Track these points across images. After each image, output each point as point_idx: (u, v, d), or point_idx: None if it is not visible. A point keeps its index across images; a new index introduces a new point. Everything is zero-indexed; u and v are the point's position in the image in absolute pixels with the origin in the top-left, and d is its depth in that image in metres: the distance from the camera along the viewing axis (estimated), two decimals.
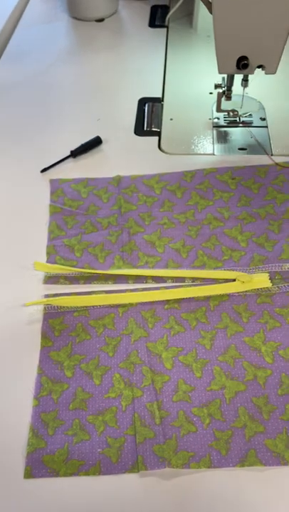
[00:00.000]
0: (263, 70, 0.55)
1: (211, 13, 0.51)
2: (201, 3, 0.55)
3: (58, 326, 0.47)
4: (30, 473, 0.39)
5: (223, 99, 0.63)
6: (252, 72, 0.56)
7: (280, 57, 0.53)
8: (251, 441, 0.39)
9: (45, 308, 0.48)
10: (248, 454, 0.39)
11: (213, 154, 0.63)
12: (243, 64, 0.54)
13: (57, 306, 0.48)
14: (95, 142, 0.64)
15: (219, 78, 0.62)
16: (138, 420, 0.41)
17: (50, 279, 0.51)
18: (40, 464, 0.39)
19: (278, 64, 0.54)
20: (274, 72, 0.55)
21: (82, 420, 0.41)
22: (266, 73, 0.55)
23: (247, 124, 0.66)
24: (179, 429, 0.40)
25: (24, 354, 0.46)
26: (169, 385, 0.43)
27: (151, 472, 0.38)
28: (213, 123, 0.67)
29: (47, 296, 0.49)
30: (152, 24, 0.87)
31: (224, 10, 0.49)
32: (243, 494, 0.37)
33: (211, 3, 0.51)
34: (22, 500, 0.38)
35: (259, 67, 0.55)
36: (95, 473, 0.39)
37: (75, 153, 0.63)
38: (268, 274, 0.49)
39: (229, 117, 0.66)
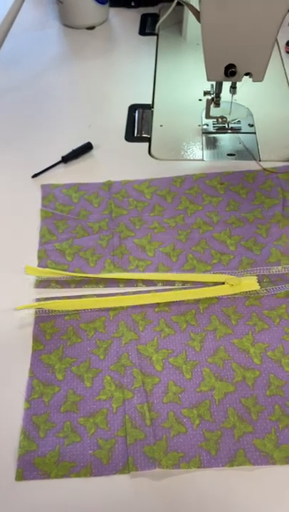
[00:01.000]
0: (250, 77, 0.56)
1: (199, 21, 0.52)
2: (190, 11, 0.56)
3: (49, 330, 0.48)
4: (21, 475, 0.39)
5: (212, 105, 0.64)
6: (240, 80, 0.57)
7: (267, 65, 0.55)
8: (240, 441, 0.40)
9: (36, 311, 0.49)
10: (237, 454, 0.39)
11: (203, 160, 0.64)
12: (230, 71, 0.55)
13: (48, 310, 0.49)
14: (86, 148, 0.65)
15: (208, 85, 0.63)
16: (129, 422, 0.41)
17: (42, 283, 0.51)
18: (31, 466, 0.39)
19: (265, 72, 0.55)
20: (261, 80, 0.56)
21: (73, 422, 0.42)
22: (254, 81, 0.56)
23: (235, 131, 0.67)
24: (169, 430, 0.41)
25: (16, 357, 0.46)
26: (160, 386, 0.43)
27: (141, 473, 0.39)
28: (202, 129, 0.68)
29: (38, 300, 0.50)
30: (142, 32, 0.88)
31: (212, 19, 0.50)
32: (232, 493, 0.38)
33: (199, 12, 0.52)
34: (14, 503, 0.38)
35: (247, 74, 0.56)
36: (86, 474, 0.39)
37: (66, 159, 0.64)
38: (256, 277, 0.50)
39: (218, 124, 0.67)
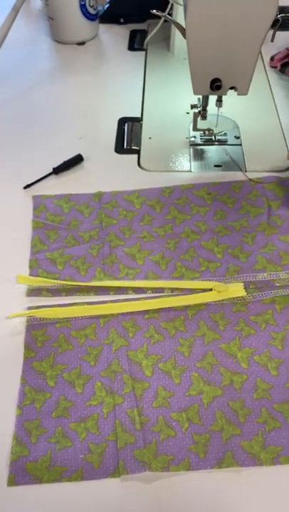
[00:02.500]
0: (235, 91, 0.58)
1: (185, 38, 0.54)
2: (176, 29, 0.59)
3: (41, 337, 0.48)
4: (13, 480, 0.39)
5: (199, 118, 0.66)
6: (225, 93, 0.58)
7: (251, 79, 0.56)
8: (228, 443, 0.41)
9: (28, 320, 0.49)
10: (225, 456, 0.40)
11: (190, 171, 0.65)
12: (216, 85, 0.56)
13: (39, 318, 0.49)
14: (77, 160, 0.66)
15: (195, 99, 0.65)
16: (119, 426, 0.42)
17: (33, 292, 0.52)
18: (23, 472, 0.40)
19: (249, 85, 0.57)
20: (246, 93, 0.58)
21: (64, 428, 0.42)
22: (238, 94, 0.58)
23: (222, 142, 0.69)
24: (158, 434, 0.42)
25: (7, 365, 0.47)
26: (149, 391, 0.44)
27: (132, 476, 0.39)
28: (189, 141, 0.70)
29: (30, 308, 0.50)
30: (131, 47, 0.91)
31: (197, 35, 0.52)
32: (221, 495, 0.39)
33: (184, 29, 0.54)
34: (6, 508, 0.38)
35: (232, 88, 0.58)
36: (77, 478, 0.40)
37: (58, 170, 0.65)
38: (242, 284, 0.51)
39: (205, 136, 0.69)
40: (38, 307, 0.50)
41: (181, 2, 0.63)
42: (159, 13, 0.62)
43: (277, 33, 0.59)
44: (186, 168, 0.66)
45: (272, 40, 0.59)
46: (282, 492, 0.39)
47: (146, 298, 0.51)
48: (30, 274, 0.53)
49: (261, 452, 0.40)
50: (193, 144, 0.69)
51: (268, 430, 0.42)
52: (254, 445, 0.41)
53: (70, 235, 0.57)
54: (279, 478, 0.39)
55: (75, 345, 0.48)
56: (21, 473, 0.40)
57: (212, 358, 0.46)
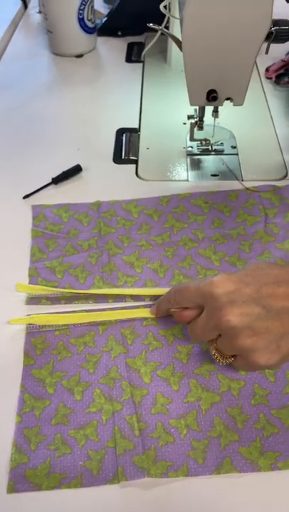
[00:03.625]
0: (231, 102, 0.59)
1: (181, 50, 0.56)
2: (173, 41, 0.60)
3: (40, 345, 0.49)
4: (13, 488, 0.40)
5: (195, 129, 0.67)
6: (221, 104, 0.59)
7: (246, 90, 0.58)
8: (226, 449, 0.41)
9: (27, 327, 0.50)
10: (223, 462, 0.41)
11: (188, 180, 0.66)
12: (212, 97, 0.58)
13: (39, 326, 0.50)
14: (76, 170, 0.67)
15: (192, 109, 0.66)
16: (118, 433, 0.42)
17: (33, 300, 0.52)
18: (22, 479, 0.40)
19: (245, 96, 0.58)
20: (241, 104, 0.59)
21: (64, 435, 0.43)
22: (234, 105, 0.59)
23: (219, 152, 0.70)
24: (157, 440, 0.42)
25: (7, 373, 0.47)
26: (148, 398, 0.45)
27: (131, 482, 0.40)
28: (187, 151, 0.71)
29: (29, 316, 0.51)
30: (129, 60, 0.92)
31: (193, 48, 0.53)
32: (219, 500, 0.39)
33: (180, 41, 0.55)
34: None
35: (227, 99, 0.59)
36: (76, 485, 0.40)
37: (57, 180, 0.66)
38: None
39: (202, 146, 0.70)
40: (37, 315, 0.51)
41: (178, 16, 0.64)
42: (156, 27, 0.64)
43: (272, 45, 0.61)
44: (183, 178, 0.67)
45: (266, 53, 0.60)
46: (280, 497, 0.39)
47: (144, 305, 0.52)
48: (30, 283, 0.54)
49: (259, 458, 0.41)
50: (190, 154, 0.70)
51: (266, 436, 0.42)
52: (252, 451, 0.41)
53: (69, 243, 0.58)
54: (277, 484, 0.40)
55: (74, 353, 0.48)
56: (21, 481, 0.40)
57: (210, 364, 0.47)
